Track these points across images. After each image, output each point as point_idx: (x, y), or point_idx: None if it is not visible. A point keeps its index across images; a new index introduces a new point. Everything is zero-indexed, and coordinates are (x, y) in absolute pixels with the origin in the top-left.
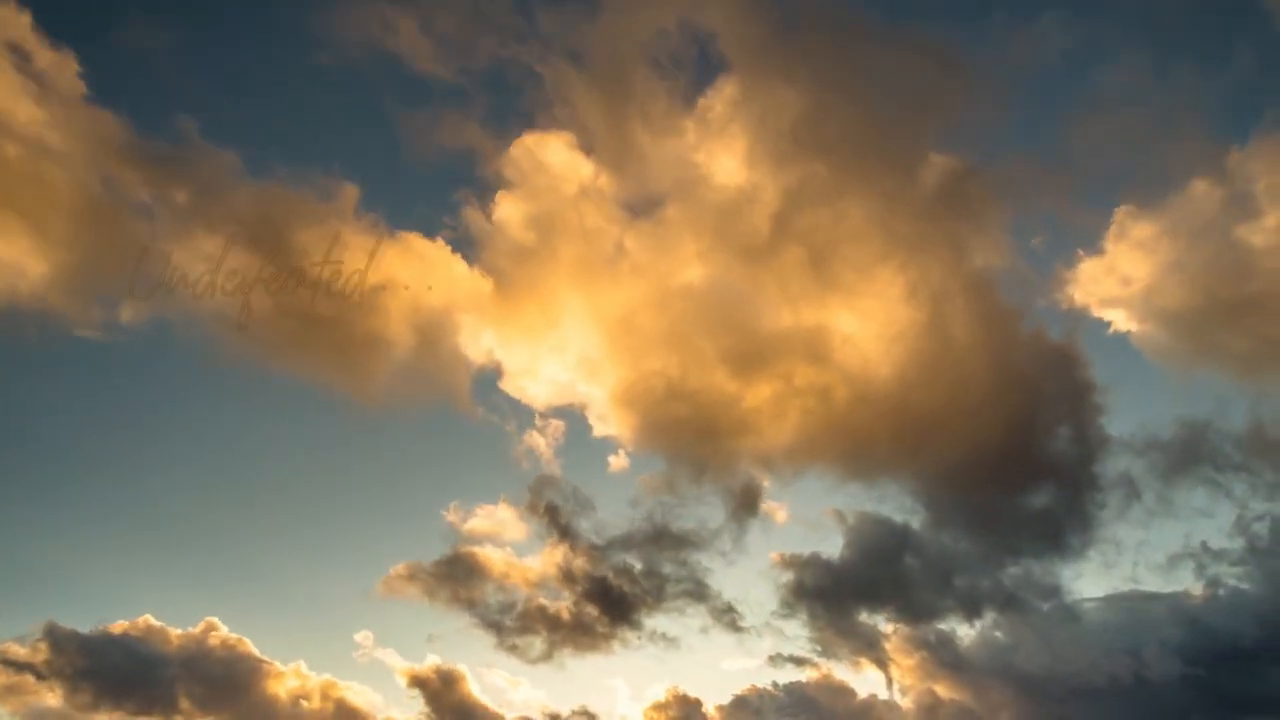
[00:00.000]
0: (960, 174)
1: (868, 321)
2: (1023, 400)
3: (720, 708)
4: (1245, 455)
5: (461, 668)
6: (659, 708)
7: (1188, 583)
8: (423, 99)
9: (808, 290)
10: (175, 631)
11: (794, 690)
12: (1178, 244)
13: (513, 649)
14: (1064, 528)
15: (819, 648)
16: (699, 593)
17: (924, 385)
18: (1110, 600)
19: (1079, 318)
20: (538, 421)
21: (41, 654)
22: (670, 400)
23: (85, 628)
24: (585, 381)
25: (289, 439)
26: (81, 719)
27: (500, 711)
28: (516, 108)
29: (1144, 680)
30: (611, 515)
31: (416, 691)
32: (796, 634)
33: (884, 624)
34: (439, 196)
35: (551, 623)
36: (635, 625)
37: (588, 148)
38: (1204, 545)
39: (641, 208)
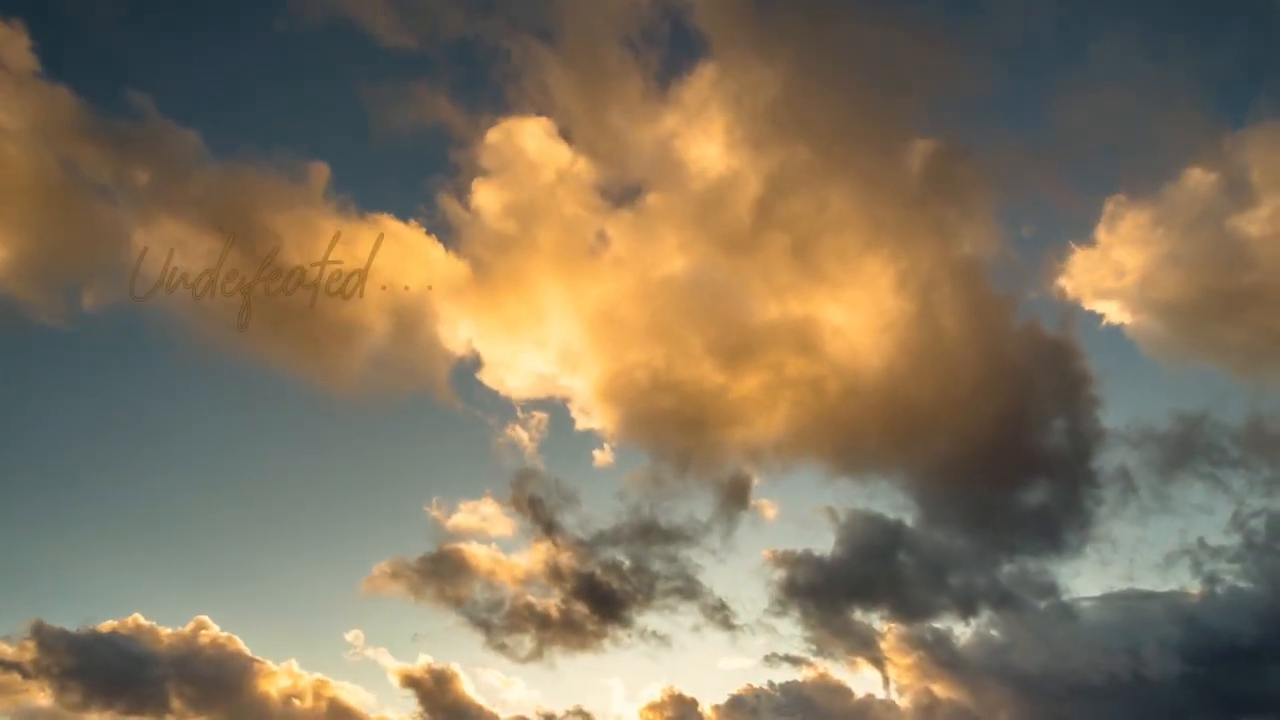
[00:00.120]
0: (947, 155)
1: (855, 311)
2: (1017, 393)
3: (716, 707)
4: (1242, 450)
5: (455, 667)
6: (654, 708)
7: (1185, 580)
8: (387, 72)
9: (793, 279)
10: (165, 630)
11: (791, 690)
12: (1172, 234)
13: (502, 647)
14: (1059, 524)
15: (814, 646)
16: (690, 590)
17: (914, 378)
18: (1107, 599)
19: (1071, 310)
20: (519, 414)
21: (29, 653)
22: (655, 393)
23: (73, 626)
24: (567, 374)
25: (270, 432)
26: (72, 718)
27: (494, 711)
28: (487, 85)
29: (1142, 679)
30: (598, 510)
31: (410, 691)
32: (790, 632)
33: (878, 622)
34: (410, 177)
35: (541, 621)
36: (626, 623)
37: (564, 133)
38: (1201, 542)
39: (621, 196)
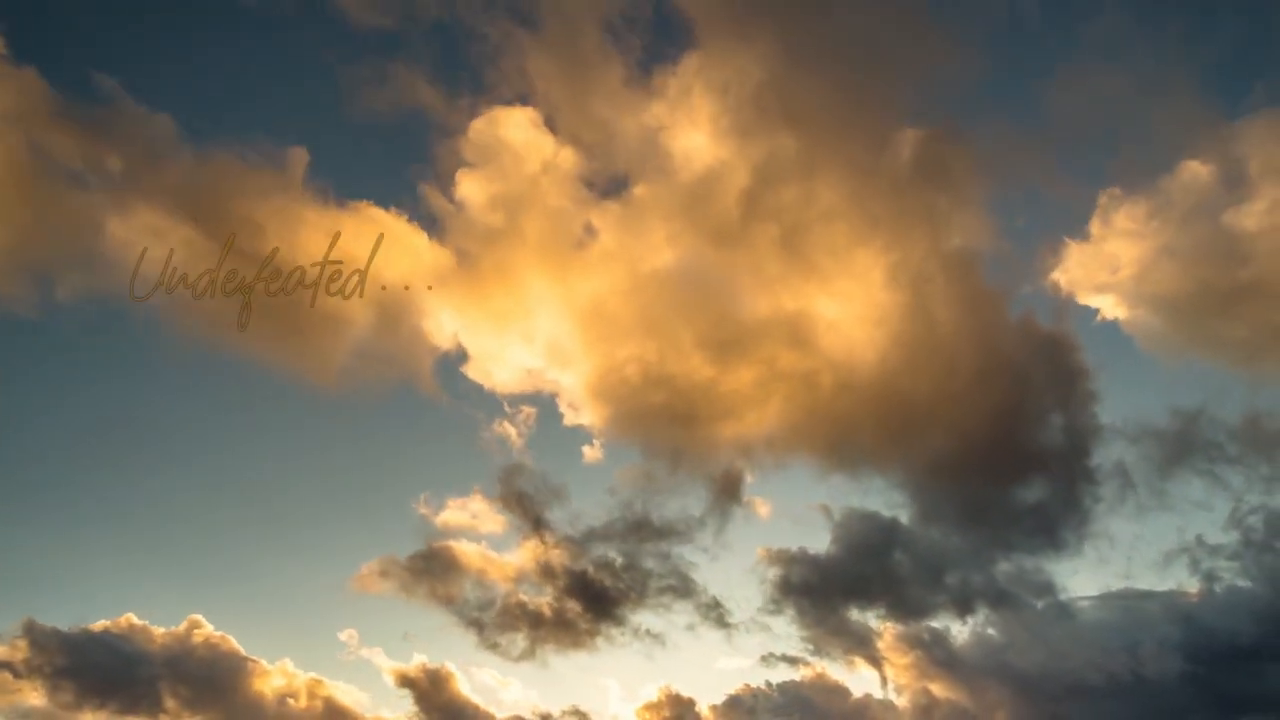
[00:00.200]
0: (938, 143)
1: (847, 304)
2: (1013, 388)
3: (714, 707)
4: (1240, 447)
5: (450, 666)
6: (652, 707)
7: (1183, 579)
8: (363, 52)
9: (783, 272)
10: (158, 630)
11: (788, 689)
12: (1167, 227)
13: (495, 646)
14: (1057, 522)
15: (810, 646)
16: (684, 588)
17: (908, 372)
18: (1106, 599)
19: (1066, 304)
20: (506, 409)
21: (20, 652)
22: (644, 388)
23: (66, 625)
24: (555, 368)
25: (258, 429)
26: (65, 718)
27: (490, 711)
28: (466, 69)
29: (1141, 679)
30: (589, 506)
31: (405, 691)
32: (786, 631)
33: (874, 621)
34: (390, 163)
35: (533, 619)
36: (620, 621)
37: (548, 122)
38: (1199, 539)
39: (608, 187)
